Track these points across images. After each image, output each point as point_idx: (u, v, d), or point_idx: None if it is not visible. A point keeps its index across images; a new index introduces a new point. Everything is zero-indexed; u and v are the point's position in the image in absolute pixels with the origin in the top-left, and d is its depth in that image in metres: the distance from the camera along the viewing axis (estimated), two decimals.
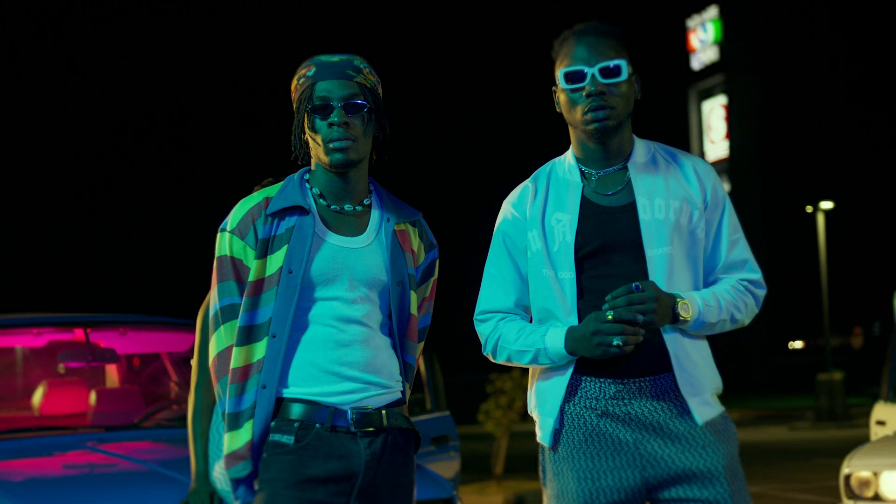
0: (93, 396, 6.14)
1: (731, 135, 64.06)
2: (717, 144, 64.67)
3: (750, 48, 65.06)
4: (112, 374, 6.62)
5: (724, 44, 63.18)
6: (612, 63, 3.44)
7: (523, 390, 15.75)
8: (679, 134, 65.08)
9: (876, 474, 7.29)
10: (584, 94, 3.44)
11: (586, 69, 3.43)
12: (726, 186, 63.42)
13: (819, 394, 29.75)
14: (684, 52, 65.49)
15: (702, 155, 65.07)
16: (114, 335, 6.46)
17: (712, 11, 63.16)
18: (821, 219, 33.24)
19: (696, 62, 65.17)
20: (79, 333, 6.38)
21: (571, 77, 3.45)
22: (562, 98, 3.51)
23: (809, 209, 34.57)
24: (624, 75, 3.45)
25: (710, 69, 64.51)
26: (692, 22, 64.76)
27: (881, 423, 9.18)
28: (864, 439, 15.80)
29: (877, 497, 7.27)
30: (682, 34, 65.47)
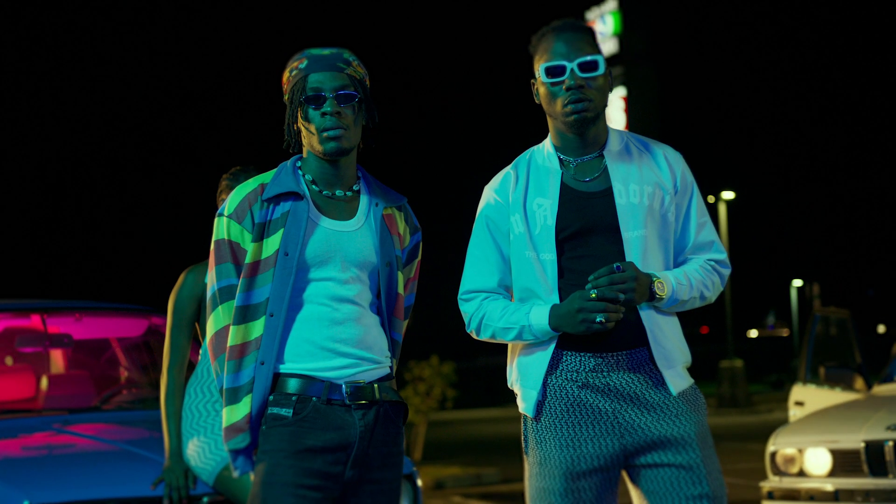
0: (44, 382, 6.26)
1: (631, 126, 64.60)
2: None
3: (649, 40, 65.69)
4: (58, 359, 6.73)
5: (624, 36, 63.72)
6: (590, 58, 3.66)
7: (442, 378, 16.00)
8: None
9: (800, 451, 7.62)
10: (563, 87, 3.66)
11: (566, 64, 3.65)
12: None
13: (721, 380, 30.38)
14: None
15: None
16: (69, 321, 6.58)
17: (611, 4, 63.69)
18: (722, 209, 33.89)
19: None
20: (36, 320, 6.49)
21: (552, 71, 3.67)
22: (542, 90, 3.72)
23: (711, 199, 35.24)
24: (601, 70, 3.67)
25: (609, 61, 64.09)
26: (591, 14, 65.24)
27: (800, 403, 9.54)
28: (767, 424, 16.22)
29: (801, 473, 7.60)
30: None
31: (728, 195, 33.95)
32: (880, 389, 8.64)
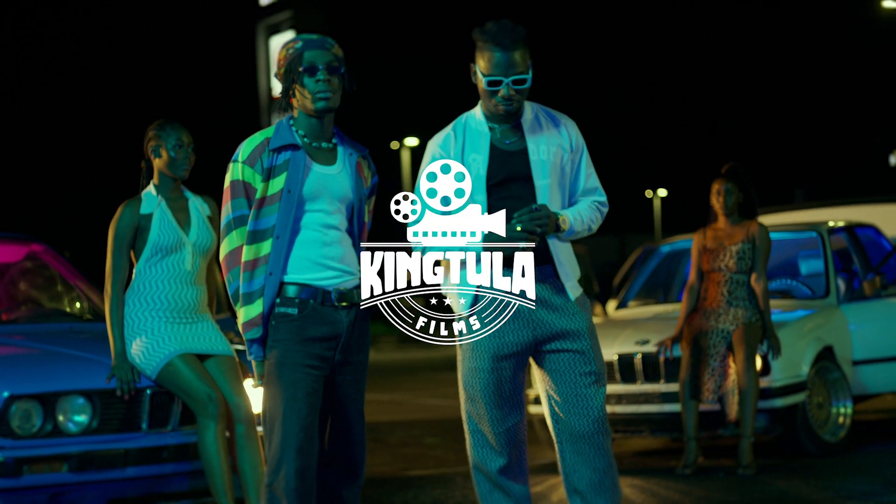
0: None
1: None
2: None
3: None
4: None
5: None
6: (521, 77, 4.85)
7: None
8: (247, 70, 65.82)
9: None
10: (499, 95, 4.86)
11: (503, 79, 4.82)
12: None
13: None
14: None
15: (269, 90, 66.36)
16: None
17: None
18: (405, 155, 35.48)
19: None
20: None
21: (491, 83, 4.85)
22: (480, 86, 4.88)
23: (395, 145, 36.79)
24: (528, 84, 4.89)
25: (277, 5, 65.29)
26: None
27: None
28: None
29: None
30: None
31: (412, 142, 35.54)
32: (617, 314, 10.24)
